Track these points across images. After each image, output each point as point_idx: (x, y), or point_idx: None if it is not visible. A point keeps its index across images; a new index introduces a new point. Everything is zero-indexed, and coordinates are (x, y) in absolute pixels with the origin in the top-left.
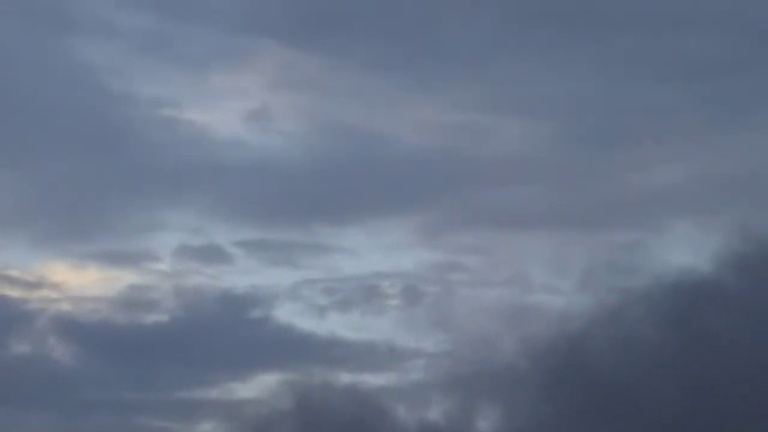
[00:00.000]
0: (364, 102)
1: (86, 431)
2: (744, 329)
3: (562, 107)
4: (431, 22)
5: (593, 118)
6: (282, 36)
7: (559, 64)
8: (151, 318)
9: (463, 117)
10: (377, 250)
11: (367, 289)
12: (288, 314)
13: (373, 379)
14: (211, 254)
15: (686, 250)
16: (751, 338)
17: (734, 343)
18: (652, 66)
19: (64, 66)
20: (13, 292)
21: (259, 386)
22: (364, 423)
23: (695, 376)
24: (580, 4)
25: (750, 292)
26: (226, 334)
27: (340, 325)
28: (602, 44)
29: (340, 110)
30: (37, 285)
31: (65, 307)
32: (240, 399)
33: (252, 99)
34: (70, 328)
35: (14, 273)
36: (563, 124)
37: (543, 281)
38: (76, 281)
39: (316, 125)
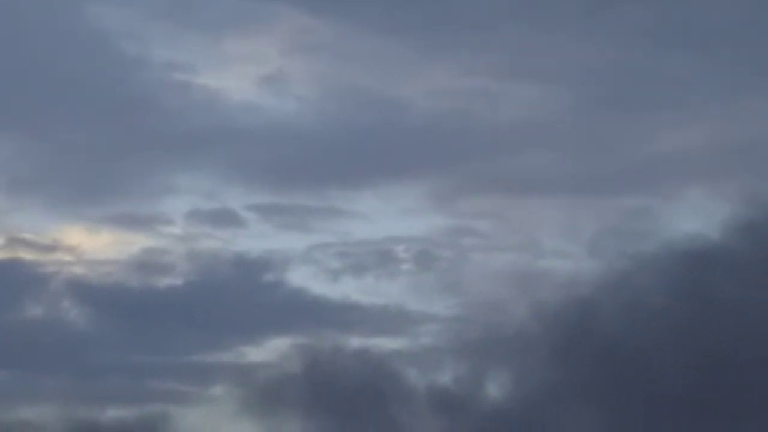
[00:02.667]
0: (378, 67)
1: (99, 394)
2: (752, 296)
3: (575, 74)
4: None
5: (606, 85)
6: (296, 1)
7: (574, 30)
8: (165, 281)
9: (478, 82)
10: (390, 214)
11: (380, 253)
12: (301, 278)
13: (384, 343)
14: (224, 218)
15: (696, 216)
16: (759, 305)
17: (742, 310)
18: (664, 33)
19: (79, 31)
20: (28, 255)
21: (271, 350)
22: (375, 387)
23: (703, 342)
24: None
25: (759, 259)
26: (239, 298)
27: (353, 289)
28: (616, 11)
29: (354, 75)
30: (51, 248)
31: (79, 270)
32: (252, 362)
33: (266, 64)
34: (83, 291)
35: (29, 236)
36: (576, 91)
37: (554, 246)
38: (90, 244)
39: (330, 90)
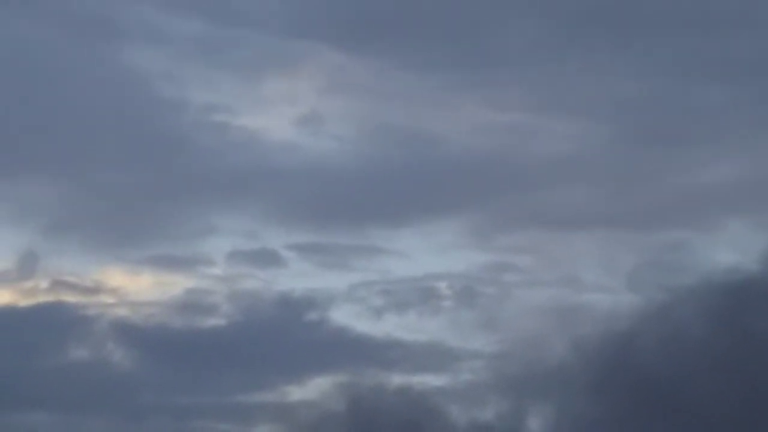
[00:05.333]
0: (414, 104)
1: None
2: None
3: (610, 108)
4: (481, 23)
5: (641, 118)
6: (332, 40)
7: (608, 64)
8: (208, 322)
9: (513, 118)
10: (429, 251)
11: (421, 290)
12: (344, 316)
13: (426, 380)
14: (265, 258)
15: (734, 248)
16: None
17: None
18: (700, 66)
19: (116, 73)
20: (71, 298)
21: (313, 389)
22: (417, 424)
23: (744, 375)
24: (629, 4)
25: None
26: (283, 337)
27: (395, 327)
28: (651, 44)
29: (390, 113)
30: (94, 290)
31: (122, 312)
32: (295, 402)
33: (303, 103)
34: (127, 332)
35: (71, 279)
36: (612, 125)
37: (593, 281)
38: (132, 286)
39: (366, 128)
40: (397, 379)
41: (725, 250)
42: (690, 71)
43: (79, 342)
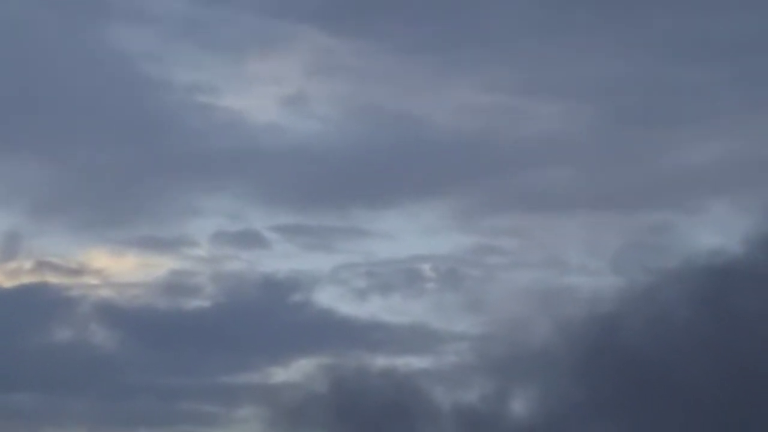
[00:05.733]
0: (399, 86)
1: (128, 416)
2: None
3: (596, 89)
4: (465, 5)
5: (627, 100)
6: (318, 21)
7: (594, 45)
8: (192, 304)
9: (498, 99)
10: (414, 233)
11: (405, 272)
12: (328, 298)
13: (410, 362)
14: (249, 240)
15: (718, 230)
16: None
17: (764, 323)
18: (685, 46)
19: (101, 53)
20: (55, 279)
21: (297, 370)
22: (400, 405)
23: (727, 356)
24: None
25: None
26: (267, 319)
27: (379, 309)
28: (637, 25)
29: (375, 94)
30: (77, 272)
31: (106, 293)
32: (278, 383)
33: (288, 84)
34: (111, 314)
35: (55, 260)
36: (597, 106)
37: (577, 263)
38: (116, 267)
39: (351, 110)
40: (381, 361)
41: (709, 232)
42: (676, 52)
43: (62, 323)
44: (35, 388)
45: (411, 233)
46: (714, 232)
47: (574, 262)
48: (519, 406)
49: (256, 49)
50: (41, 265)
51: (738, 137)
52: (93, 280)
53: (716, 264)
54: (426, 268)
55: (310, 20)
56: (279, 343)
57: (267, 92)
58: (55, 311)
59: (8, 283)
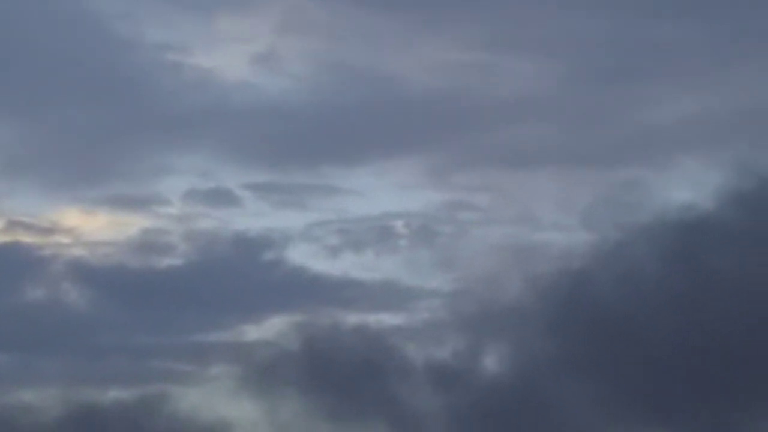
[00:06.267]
0: (371, 43)
1: (99, 375)
2: (744, 265)
3: (568, 46)
4: None
5: (599, 57)
6: None
7: (567, 2)
8: (164, 262)
9: (471, 56)
10: (386, 190)
11: (378, 229)
12: (300, 256)
13: (382, 319)
14: (221, 197)
15: (689, 186)
16: (752, 274)
17: (736, 279)
18: (657, 3)
19: (70, 12)
20: (27, 238)
21: (269, 328)
22: (373, 362)
23: (697, 311)
24: None
25: (751, 228)
26: (239, 276)
27: (351, 266)
28: None
29: (347, 52)
30: (49, 231)
31: (78, 252)
32: (251, 341)
33: (259, 42)
34: (83, 273)
35: (26, 219)
36: (569, 63)
37: (549, 219)
38: (88, 226)
39: (323, 67)
40: (353, 318)
41: (680, 188)
42: (648, 9)
43: (34, 282)
44: (7, 347)
45: (383, 190)
46: (685, 188)
47: (545, 219)
48: (491, 361)
49: (226, 7)
50: (13, 225)
51: (709, 93)
52: (65, 239)
53: (687, 219)
54: (398, 225)
55: None
56: (251, 301)
57: (238, 50)
58: (27, 270)
59: None
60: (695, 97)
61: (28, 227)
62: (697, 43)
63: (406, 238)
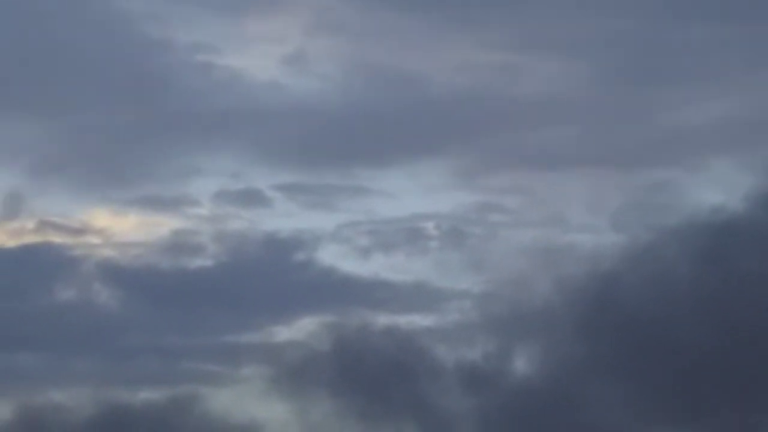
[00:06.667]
0: (400, 43)
1: (130, 376)
2: None
3: (597, 47)
4: None
5: (629, 58)
6: None
7: (595, 2)
8: (194, 263)
9: (500, 57)
10: (416, 191)
11: (408, 230)
12: (331, 257)
13: (413, 320)
14: (251, 198)
15: (719, 188)
16: None
17: (765, 281)
18: (688, 4)
19: (101, 13)
20: (57, 239)
21: (300, 329)
22: (403, 364)
23: (727, 313)
24: None
25: None
26: (269, 277)
27: (382, 267)
28: None
29: (376, 52)
30: (80, 231)
31: (109, 252)
32: (281, 342)
33: (288, 43)
34: (114, 273)
35: (57, 220)
36: (599, 64)
37: (578, 221)
38: (118, 227)
39: (352, 68)
40: (383, 320)
41: (710, 190)
42: (678, 9)
43: (65, 283)
44: (37, 347)
45: (413, 191)
46: (715, 190)
47: (575, 220)
48: (521, 363)
49: (256, 8)
50: (43, 225)
51: (740, 95)
52: (95, 240)
53: (717, 221)
54: (428, 226)
55: None
56: (282, 301)
57: (267, 51)
58: (58, 271)
59: (11, 243)
60: (726, 98)
61: (58, 228)
62: (728, 44)
63: (436, 239)
